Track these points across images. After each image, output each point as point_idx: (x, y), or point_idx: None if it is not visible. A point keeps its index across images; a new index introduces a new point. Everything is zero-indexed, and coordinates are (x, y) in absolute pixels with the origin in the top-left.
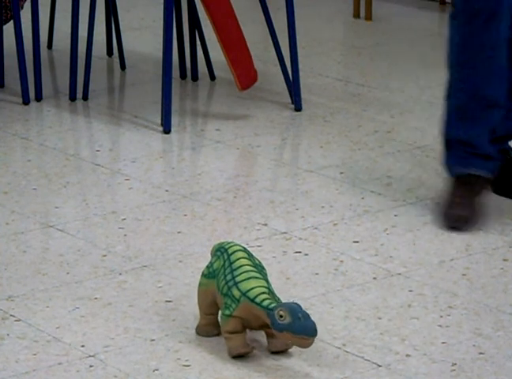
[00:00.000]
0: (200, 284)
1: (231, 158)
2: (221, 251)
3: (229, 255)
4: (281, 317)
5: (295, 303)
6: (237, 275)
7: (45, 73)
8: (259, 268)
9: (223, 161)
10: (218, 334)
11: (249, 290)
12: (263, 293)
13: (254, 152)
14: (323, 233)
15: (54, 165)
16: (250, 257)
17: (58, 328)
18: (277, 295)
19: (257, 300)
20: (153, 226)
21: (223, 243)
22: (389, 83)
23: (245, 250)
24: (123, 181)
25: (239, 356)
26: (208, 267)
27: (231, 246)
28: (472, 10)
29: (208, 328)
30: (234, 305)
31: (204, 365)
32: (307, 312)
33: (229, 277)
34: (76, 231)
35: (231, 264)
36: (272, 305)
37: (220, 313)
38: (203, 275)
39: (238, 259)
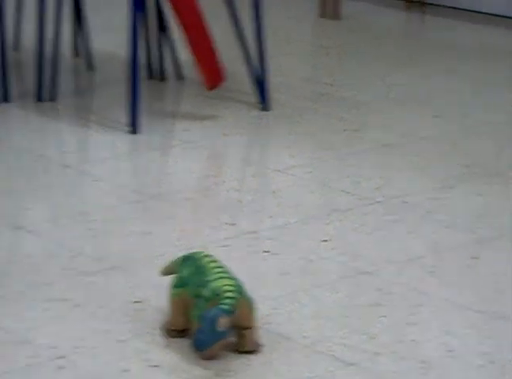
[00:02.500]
0: (172, 296)
1: (200, 158)
2: (188, 260)
3: (197, 261)
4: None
5: (215, 314)
6: (207, 276)
7: (12, 75)
8: (228, 270)
9: (191, 161)
10: (186, 335)
11: (217, 289)
12: (230, 291)
13: (222, 152)
14: (291, 232)
15: (22, 166)
16: (218, 261)
17: (27, 329)
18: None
19: (221, 297)
20: (122, 226)
21: (186, 255)
22: (356, 82)
23: (211, 255)
24: (92, 183)
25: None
26: (176, 278)
27: (196, 254)
28: None
29: (177, 334)
30: (204, 305)
31: (173, 366)
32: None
33: (200, 279)
34: (45, 233)
35: (201, 267)
36: (222, 306)
37: (192, 313)
38: (173, 286)
39: (207, 262)
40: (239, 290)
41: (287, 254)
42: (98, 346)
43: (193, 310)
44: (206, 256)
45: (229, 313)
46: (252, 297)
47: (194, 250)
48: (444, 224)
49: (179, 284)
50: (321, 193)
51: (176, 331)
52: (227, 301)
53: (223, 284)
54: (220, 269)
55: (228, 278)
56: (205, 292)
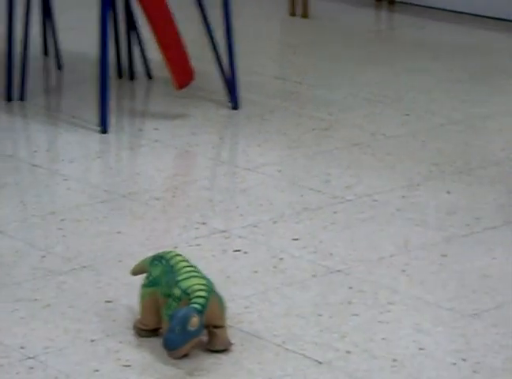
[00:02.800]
0: (142, 296)
1: (169, 157)
2: (158, 260)
3: (168, 260)
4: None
5: (185, 314)
6: (178, 275)
7: None
8: (198, 269)
9: (161, 160)
10: (157, 334)
11: (188, 288)
12: (201, 290)
13: (192, 151)
14: (262, 231)
15: None
16: (187, 260)
17: None
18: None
19: (191, 296)
20: (92, 226)
21: (156, 254)
22: (326, 80)
23: (181, 255)
24: (61, 182)
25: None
26: (147, 277)
27: (167, 253)
28: None
29: (149, 333)
30: (175, 304)
31: (144, 365)
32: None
33: (171, 278)
34: (14, 232)
35: (171, 267)
36: (194, 304)
37: (163, 313)
38: (143, 286)
39: (178, 262)
40: (209, 289)
41: (258, 253)
42: (69, 346)
43: (164, 310)
44: (176, 255)
45: (201, 312)
46: (222, 296)
47: (164, 249)
48: (414, 222)
49: (150, 284)
50: (292, 191)
51: (147, 330)
52: (199, 300)
53: (193, 283)
54: (190, 268)
55: (199, 277)
56: (176, 291)
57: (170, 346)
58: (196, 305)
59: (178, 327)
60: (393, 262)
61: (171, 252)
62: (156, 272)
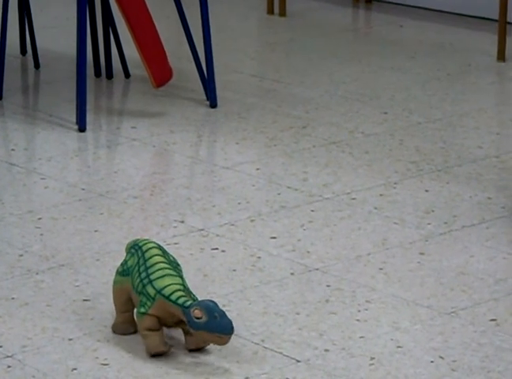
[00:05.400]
0: (115, 282)
1: (147, 155)
2: (135, 248)
3: (143, 252)
4: (197, 317)
5: (211, 301)
6: (152, 273)
7: None
8: (174, 265)
9: (139, 159)
10: (135, 332)
11: (164, 288)
12: (178, 290)
13: (170, 150)
14: (240, 229)
15: None
16: (165, 253)
17: None
18: (194, 292)
19: (173, 297)
20: (70, 225)
21: (137, 240)
22: (303, 78)
23: (159, 247)
24: (39, 181)
25: (158, 355)
26: (122, 264)
27: (145, 243)
28: None
29: (125, 326)
30: (149, 303)
31: (122, 364)
32: (224, 309)
33: (144, 275)
34: None
35: (145, 261)
36: (188, 302)
37: (135, 310)
38: (117, 272)
39: (152, 256)
40: (184, 287)
41: (235, 251)
42: (46, 344)
43: (138, 307)
44: (153, 247)
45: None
46: (195, 295)
47: (144, 238)
48: (392, 220)
49: (123, 273)
50: (270, 189)
51: (121, 323)
52: (183, 298)
53: (168, 283)
54: (163, 264)
55: (172, 275)
56: (150, 290)
57: (231, 327)
58: (190, 301)
59: (222, 311)
60: (370, 260)
61: (149, 243)
62: (131, 261)
